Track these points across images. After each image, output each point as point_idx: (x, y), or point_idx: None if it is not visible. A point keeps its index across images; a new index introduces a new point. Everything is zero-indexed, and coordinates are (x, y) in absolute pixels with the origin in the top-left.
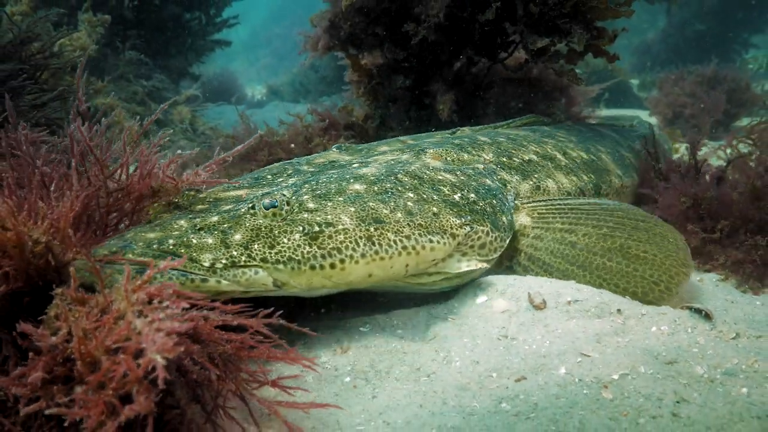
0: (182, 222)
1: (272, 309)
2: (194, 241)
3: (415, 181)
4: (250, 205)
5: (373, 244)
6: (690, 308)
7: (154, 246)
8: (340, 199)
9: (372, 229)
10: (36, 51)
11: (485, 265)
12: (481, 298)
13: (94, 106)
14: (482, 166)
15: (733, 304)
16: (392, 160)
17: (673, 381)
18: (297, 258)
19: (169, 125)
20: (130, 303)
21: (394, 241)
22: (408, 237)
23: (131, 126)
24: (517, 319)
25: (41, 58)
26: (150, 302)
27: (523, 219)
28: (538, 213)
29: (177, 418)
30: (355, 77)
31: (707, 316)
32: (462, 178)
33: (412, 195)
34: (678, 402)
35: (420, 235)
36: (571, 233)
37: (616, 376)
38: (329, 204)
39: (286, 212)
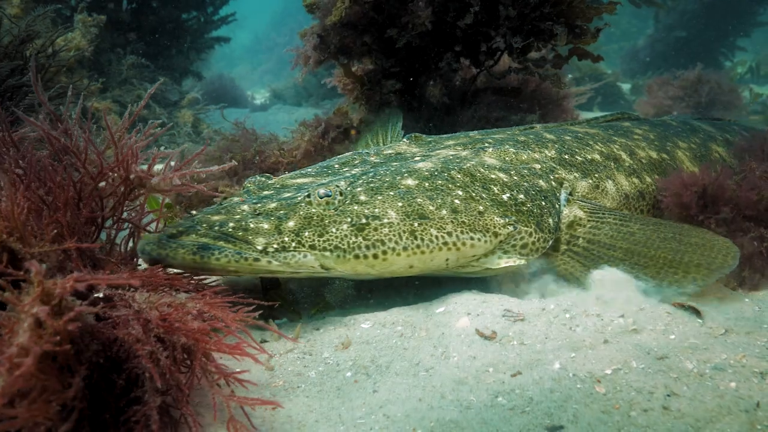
0: (245, 207)
1: (254, 307)
2: (251, 225)
3: (467, 178)
4: (306, 194)
5: (416, 238)
6: (681, 305)
7: (216, 228)
8: (391, 193)
9: (416, 225)
10: (37, 50)
11: (522, 261)
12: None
13: (87, 108)
14: (539, 166)
15: (723, 301)
16: (451, 155)
17: (664, 375)
18: (343, 247)
19: (174, 128)
20: (25, 313)
21: (436, 237)
22: (450, 233)
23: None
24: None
25: (42, 57)
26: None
27: (577, 212)
28: (590, 208)
29: (135, 414)
30: (348, 84)
31: (697, 313)
32: (515, 178)
33: (460, 193)
34: (668, 395)
35: (462, 232)
36: (626, 225)
37: (608, 371)
38: (379, 198)
39: (339, 202)
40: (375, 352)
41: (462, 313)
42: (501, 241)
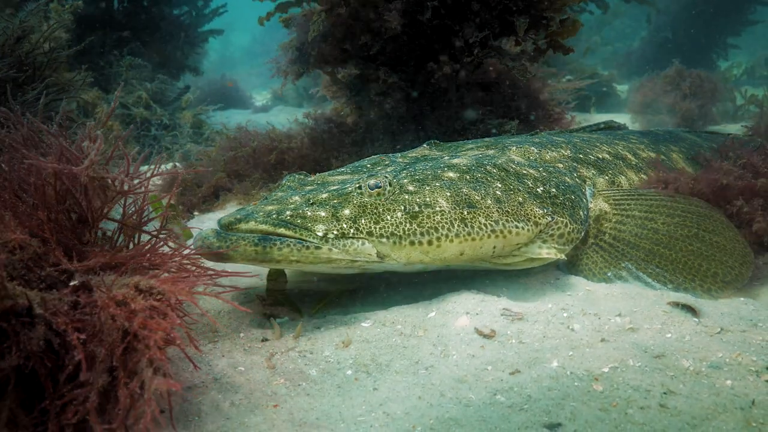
0: (296, 198)
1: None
2: (308, 213)
3: (502, 173)
4: (358, 185)
5: (466, 225)
6: (677, 304)
7: (273, 216)
8: (437, 184)
9: (465, 213)
10: (31, 48)
11: (562, 256)
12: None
13: (78, 102)
14: (562, 165)
15: (719, 300)
16: (479, 154)
17: (661, 374)
18: (399, 234)
19: (176, 129)
20: None
21: (485, 224)
22: (497, 221)
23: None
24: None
25: (39, 54)
26: None
27: (602, 205)
28: (614, 200)
29: (76, 397)
30: (337, 91)
31: (693, 312)
32: (544, 174)
33: (499, 185)
34: (665, 393)
35: (507, 220)
36: (651, 220)
37: (606, 369)
38: (427, 188)
39: (389, 192)
40: (375, 350)
41: (461, 312)
42: (541, 231)
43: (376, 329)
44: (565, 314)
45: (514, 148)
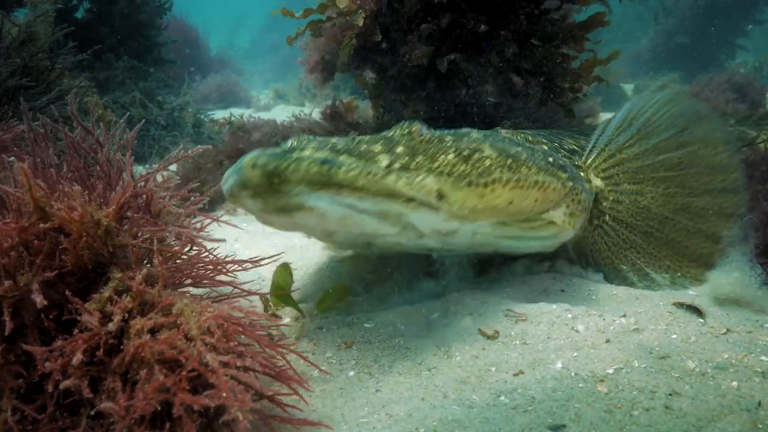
0: (335, 140)
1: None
2: (363, 147)
3: (515, 143)
4: (407, 130)
5: (513, 172)
6: (682, 305)
7: (327, 148)
8: (474, 136)
9: (510, 161)
10: (36, 51)
11: (576, 228)
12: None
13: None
14: (546, 147)
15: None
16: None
17: (666, 375)
18: (456, 173)
19: (176, 128)
20: (199, 330)
21: (528, 174)
22: (537, 173)
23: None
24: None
25: (43, 58)
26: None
27: (597, 182)
28: (604, 174)
29: None
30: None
31: (699, 312)
32: (545, 149)
33: (520, 149)
34: (670, 395)
35: (546, 173)
36: (641, 195)
37: (611, 371)
38: (465, 138)
39: (428, 140)
40: (377, 351)
41: (464, 313)
42: (565, 194)
43: (379, 330)
44: (569, 315)
45: (503, 131)
